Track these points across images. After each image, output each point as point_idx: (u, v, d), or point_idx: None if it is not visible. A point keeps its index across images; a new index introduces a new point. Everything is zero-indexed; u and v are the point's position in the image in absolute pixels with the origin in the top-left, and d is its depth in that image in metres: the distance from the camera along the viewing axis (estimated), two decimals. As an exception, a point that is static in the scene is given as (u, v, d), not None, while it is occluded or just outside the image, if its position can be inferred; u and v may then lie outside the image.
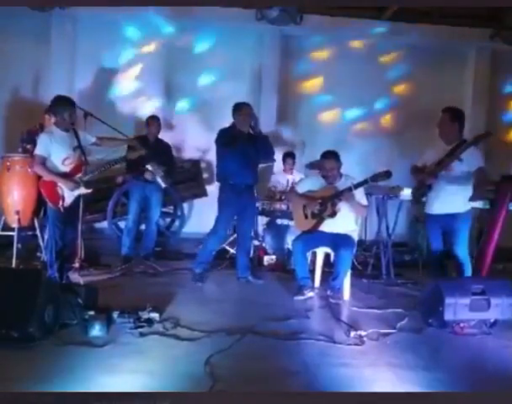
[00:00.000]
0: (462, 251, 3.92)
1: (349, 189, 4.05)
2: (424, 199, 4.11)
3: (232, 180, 4.42)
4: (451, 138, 3.96)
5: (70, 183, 3.95)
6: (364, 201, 4.22)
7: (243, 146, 4.31)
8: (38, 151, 3.95)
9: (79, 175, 4.03)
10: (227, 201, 4.45)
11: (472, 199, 3.90)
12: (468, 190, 3.91)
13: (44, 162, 3.93)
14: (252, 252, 5.42)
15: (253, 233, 5.44)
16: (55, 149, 3.94)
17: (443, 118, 3.99)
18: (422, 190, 4.04)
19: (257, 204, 5.61)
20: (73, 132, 4.05)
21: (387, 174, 4.00)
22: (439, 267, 4.13)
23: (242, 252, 4.62)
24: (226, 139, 4.36)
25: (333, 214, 4.12)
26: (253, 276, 4.56)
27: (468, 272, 3.92)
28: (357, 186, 4.05)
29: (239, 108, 4.42)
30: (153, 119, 5.36)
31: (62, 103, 4.05)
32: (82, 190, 4.05)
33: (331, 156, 4.22)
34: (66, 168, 3.99)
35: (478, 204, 4.46)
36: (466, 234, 3.92)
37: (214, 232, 4.48)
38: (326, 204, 4.14)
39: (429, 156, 4.12)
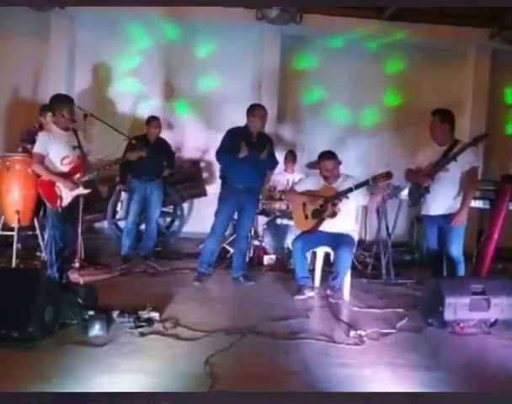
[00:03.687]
0: (457, 250, 3.93)
1: (350, 190, 4.06)
2: (422, 199, 4.11)
3: (232, 181, 4.42)
4: (444, 139, 3.99)
5: (68, 183, 3.91)
6: (365, 200, 4.23)
7: (250, 148, 4.27)
8: (36, 149, 3.91)
9: (78, 175, 3.98)
10: (225, 201, 4.47)
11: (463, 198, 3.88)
12: (463, 190, 3.92)
13: (42, 160, 3.89)
14: (251, 252, 5.42)
15: (252, 233, 5.45)
16: (54, 148, 3.90)
17: (434, 120, 4.02)
18: (420, 192, 4.04)
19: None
20: (73, 132, 4.01)
21: (388, 175, 4.00)
22: (436, 267, 4.14)
23: (237, 252, 4.62)
24: (233, 139, 4.34)
25: (333, 214, 4.13)
26: (243, 277, 4.50)
27: (461, 271, 3.94)
28: (358, 187, 4.06)
29: (254, 110, 4.40)
30: (154, 120, 5.36)
31: (61, 100, 4.02)
32: (81, 191, 4.01)
33: (329, 156, 4.23)
34: (64, 168, 3.94)
35: (478, 204, 4.46)
36: (460, 234, 3.93)
37: (212, 231, 4.49)
38: (326, 204, 4.14)
39: (421, 158, 4.14)
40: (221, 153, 4.41)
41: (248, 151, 4.24)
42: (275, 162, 4.68)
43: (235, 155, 4.25)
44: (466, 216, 3.83)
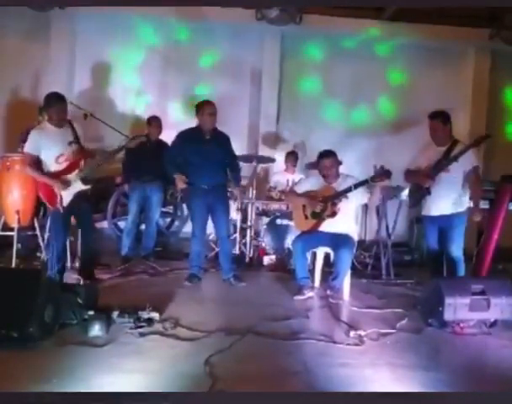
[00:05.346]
0: (457, 250, 3.94)
1: (349, 190, 4.06)
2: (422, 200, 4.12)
3: (195, 182, 4.33)
4: (445, 140, 4.01)
5: (58, 184, 3.75)
6: (365, 199, 4.23)
7: (203, 146, 4.24)
8: (26, 149, 3.75)
9: (75, 172, 3.85)
10: (193, 204, 4.45)
11: (471, 198, 3.95)
12: (464, 190, 3.94)
13: (31, 160, 3.72)
14: (251, 252, 5.42)
15: (252, 233, 5.44)
16: (46, 146, 3.74)
17: (435, 123, 4.02)
18: (421, 193, 4.04)
19: (256, 204, 5.62)
20: (69, 126, 3.88)
21: (387, 174, 4.00)
22: (436, 267, 4.14)
23: (222, 253, 4.55)
24: (184, 142, 4.34)
25: (333, 214, 4.13)
26: (234, 278, 4.44)
27: (461, 272, 3.94)
28: (357, 186, 4.05)
29: (203, 107, 4.34)
30: (154, 120, 5.37)
31: (49, 100, 3.84)
32: (80, 187, 3.88)
33: (328, 155, 4.23)
34: (60, 166, 3.80)
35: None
36: (461, 234, 3.95)
37: (193, 235, 4.46)
38: (326, 204, 4.14)
39: (422, 159, 4.15)
40: (167, 161, 4.39)
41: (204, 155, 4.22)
42: (237, 163, 4.61)
43: (180, 164, 4.24)
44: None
